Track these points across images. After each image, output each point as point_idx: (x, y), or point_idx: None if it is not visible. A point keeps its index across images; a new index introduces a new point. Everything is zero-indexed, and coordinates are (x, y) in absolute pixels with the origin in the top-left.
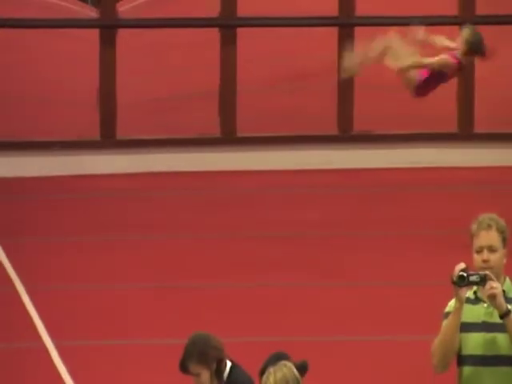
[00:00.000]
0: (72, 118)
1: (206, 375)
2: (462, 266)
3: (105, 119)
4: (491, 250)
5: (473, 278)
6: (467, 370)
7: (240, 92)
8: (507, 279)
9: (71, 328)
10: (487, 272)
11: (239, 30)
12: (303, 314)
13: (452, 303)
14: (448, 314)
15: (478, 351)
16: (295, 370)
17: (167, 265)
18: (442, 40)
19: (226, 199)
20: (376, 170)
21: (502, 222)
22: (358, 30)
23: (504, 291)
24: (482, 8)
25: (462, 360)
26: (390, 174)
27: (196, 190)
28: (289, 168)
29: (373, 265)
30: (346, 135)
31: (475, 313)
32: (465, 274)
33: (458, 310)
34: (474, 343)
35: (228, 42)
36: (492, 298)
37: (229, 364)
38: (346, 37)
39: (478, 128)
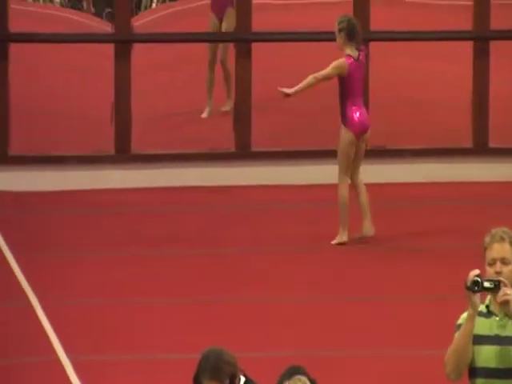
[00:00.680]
0: (87, 132)
1: None
2: (477, 272)
3: (120, 133)
4: (504, 262)
5: (486, 284)
6: (480, 382)
7: (254, 106)
8: None
9: (87, 343)
10: (501, 278)
11: (254, 45)
12: (318, 328)
13: (464, 315)
14: (460, 325)
15: (491, 364)
16: None
17: (182, 279)
18: None
19: (241, 214)
20: (390, 184)
21: None
22: (372, 44)
23: None
24: (496, 23)
25: (474, 372)
26: (403, 189)
27: (211, 205)
28: (303, 183)
29: (385, 279)
30: None
31: (488, 326)
32: (479, 280)
33: (472, 316)
34: (486, 356)
35: (243, 57)
36: (505, 304)
37: (242, 379)
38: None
39: (493, 143)
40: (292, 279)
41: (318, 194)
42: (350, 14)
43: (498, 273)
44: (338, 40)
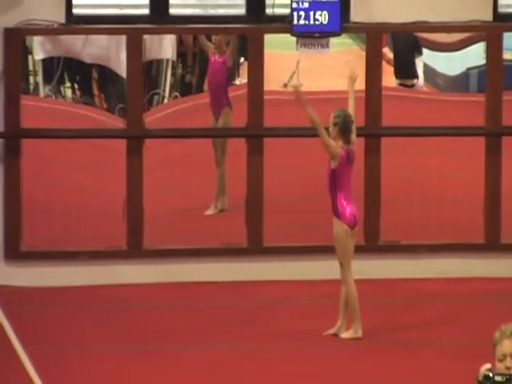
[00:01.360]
0: (99, 227)
1: None
2: (488, 366)
3: (132, 229)
4: None
5: (498, 378)
6: None
7: (266, 202)
8: None
9: None
10: None
11: (266, 140)
12: None
13: None
14: None
15: None
16: None
17: (193, 374)
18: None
19: (251, 309)
20: (403, 280)
21: None
22: (384, 140)
23: None
24: (508, 119)
25: None
26: (416, 285)
27: (223, 301)
28: (316, 278)
29: (394, 376)
30: (372, 245)
31: None
32: (491, 374)
33: None
34: None
35: (255, 152)
36: None
37: None
38: (373, 147)
39: (505, 239)
40: (305, 376)
41: (332, 289)
42: (346, 110)
43: (509, 368)
44: (331, 132)
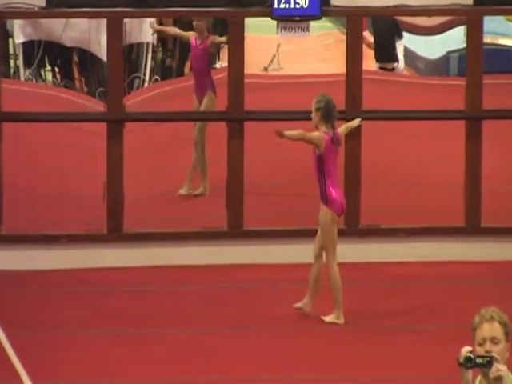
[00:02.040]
0: (80, 211)
1: None
2: (469, 348)
3: (112, 212)
4: (494, 341)
5: (479, 360)
6: None
7: (246, 185)
8: (510, 375)
9: None
10: (493, 354)
11: (246, 124)
12: None
13: None
14: None
15: None
16: None
17: (173, 358)
18: None
19: (232, 293)
20: (383, 263)
21: (505, 316)
22: (364, 124)
23: None
24: (488, 103)
25: None
26: (396, 268)
27: (204, 284)
28: (296, 261)
29: (376, 360)
30: (352, 229)
31: None
32: (472, 356)
33: None
34: None
35: (235, 136)
36: (498, 379)
37: None
38: (353, 131)
39: (485, 222)
40: (281, 359)
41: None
42: (329, 94)
43: (489, 352)
44: (313, 118)
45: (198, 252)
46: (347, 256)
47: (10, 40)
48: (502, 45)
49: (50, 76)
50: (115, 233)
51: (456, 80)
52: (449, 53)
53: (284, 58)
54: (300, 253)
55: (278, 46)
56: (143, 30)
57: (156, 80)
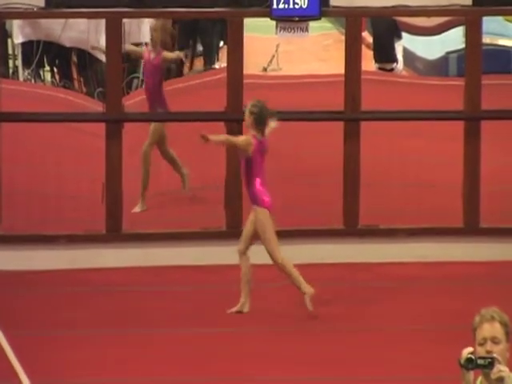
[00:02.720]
0: (78, 211)
1: None
2: (470, 349)
3: (111, 213)
4: (494, 341)
5: (480, 361)
6: None
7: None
8: (511, 376)
9: None
10: (495, 355)
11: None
12: None
13: None
14: None
15: None
16: None
17: (173, 359)
18: None
19: (232, 293)
20: (381, 264)
21: (505, 316)
22: (363, 124)
23: None
24: (487, 103)
25: None
26: (395, 269)
27: (202, 285)
28: (296, 262)
29: (376, 360)
30: (352, 229)
31: None
32: (473, 357)
33: None
34: None
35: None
36: (500, 380)
37: None
38: (352, 132)
39: (484, 223)
40: (284, 359)
41: (312, 273)
42: (264, 101)
43: (489, 352)
44: (246, 120)
45: (197, 252)
46: (346, 256)
47: (9, 40)
48: (500, 45)
49: (48, 76)
50: (114, 233)
51: (455, 80)
52: (448, 53)
53: (283, 59)
54: (299, 253)
55: (277, 46)
56: (142, 31)
57: None
